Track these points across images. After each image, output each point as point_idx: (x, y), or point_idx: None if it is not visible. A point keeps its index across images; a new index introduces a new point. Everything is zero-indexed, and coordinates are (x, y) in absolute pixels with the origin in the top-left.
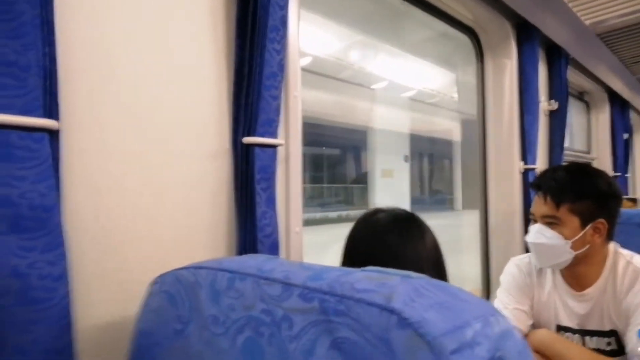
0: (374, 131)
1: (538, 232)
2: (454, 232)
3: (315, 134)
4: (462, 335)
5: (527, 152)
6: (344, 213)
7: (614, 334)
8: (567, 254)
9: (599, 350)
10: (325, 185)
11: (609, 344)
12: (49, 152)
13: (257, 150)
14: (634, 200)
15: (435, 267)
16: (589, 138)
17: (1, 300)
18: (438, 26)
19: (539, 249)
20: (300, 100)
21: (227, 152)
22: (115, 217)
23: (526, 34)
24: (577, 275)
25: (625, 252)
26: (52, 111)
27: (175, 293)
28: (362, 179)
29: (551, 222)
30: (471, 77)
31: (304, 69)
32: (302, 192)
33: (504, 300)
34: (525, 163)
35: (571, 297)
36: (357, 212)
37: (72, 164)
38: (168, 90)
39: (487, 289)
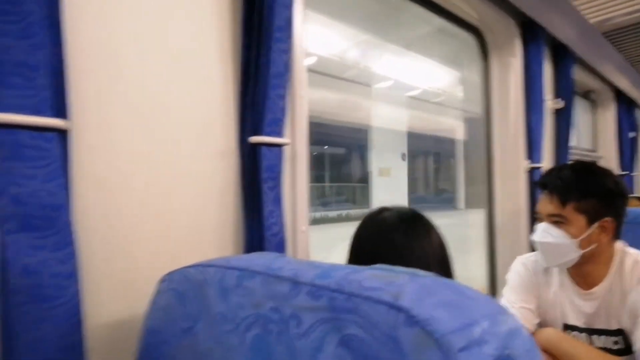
0: (372, 129)
1: (544, 231)
2: (456, 231)
3: (317, 132)
4: (470, 333)
5: (532, 150)
6: (344, 212)
7: (621, 332)
8: (573, 253)
9: (606, 349)
10: (327, 184)
11: (616, 342)
12: (59, 152)
13: (263, 149)
14: None
15: (441, 265)
16: (595, 137)
17: (13, 297)
18: (444, 25)
19: (546, 248)
20: (306, 100)
21: (234, 151)
22: (123, 216)
23: (531, 33)
24: (584, 274)
25: (633, 251)
26: (61, 111)
27: (183, 291)
28: (364, 178)
29: (557, 220)
30: (476, 76)
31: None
32: (308, 191)
33: (510, 298)
34: (531, 162)
35: (578, 296)
36: (356, 211)
37: (81, 164)
38: (175, 90)
39: (493, 288)
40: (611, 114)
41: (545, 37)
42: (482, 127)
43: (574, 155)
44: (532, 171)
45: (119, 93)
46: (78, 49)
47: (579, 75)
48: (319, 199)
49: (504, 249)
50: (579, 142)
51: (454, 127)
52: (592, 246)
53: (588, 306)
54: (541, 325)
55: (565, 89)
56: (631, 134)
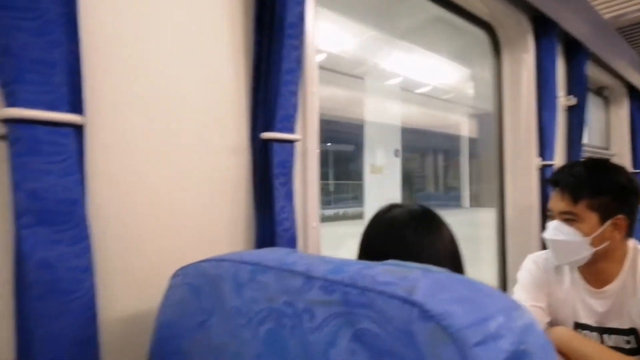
0: (366, 124)
1: (556, 229)
2: (459, 232)
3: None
4: (485, 328)
5: (544, 148)
6: (341, 211)
7: (633, 332)
8: (585, 251)
9: (617, 349)
10: (329, 182)
11: (628, 342)
12: (75, 147)
13: (275, 145)
14: None
15: (452, 261)
16: (608, 134)
17: (30, 291)
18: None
19: (557, 246)
20: (317, 96)
21: (246, 147)
22: (136, 211)
23: (544, 29)
24: (596, 272)
25: None
26: (77, 107)
27: (198, 285)
28: (359, 176)
29: (569, 218)
30: (486, 72)
31: None
32: (319, 187)
33: (520, 297)
34: (543, 159)
35: (590, 295)
36: (354, 210)
37: (96, 159)
38: (188, 87)
39: (504, 286)
40: (624, 111)
41: (558, 33)
42: (492, 124)
43: (586, 153)
44: (543, 169)
45: (132, 90)
46: (93, 46)
47: (592, 71)
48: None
49: (514, 247)
50: (592, 139)
51: (458, 123)
52: (605, 244)
53: (600, 305)
54: (552, 324)
55: (578, 85)
56: None
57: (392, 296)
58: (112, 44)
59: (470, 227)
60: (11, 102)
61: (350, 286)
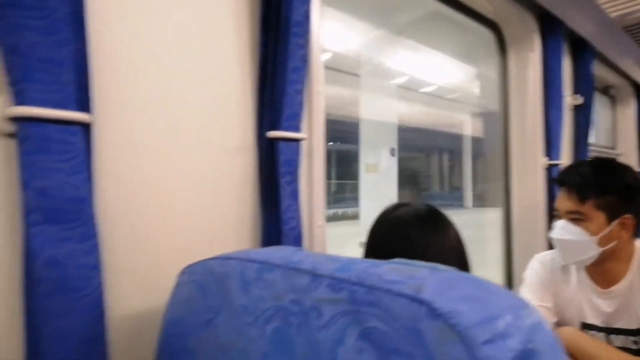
0: (362, 122)
1: (563, 229)
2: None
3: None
4: (493, 327)
5: (551, 147)
6: (340, 211)
7: None
8: (592, 251)
9: (625, 349)
10: (331, 181)
11: (635, 342)
12: (83, 145)
13: (281, 144)
14: None
15: (459, 261)
16: (615, 133)
17: (39, 288)
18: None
19: (564, 246)
20: (323, 95)
21: (252, 146)
22: (143, 209)
23: (550, 27)
24: (603, 272)
25: None
26: (85, 105)
27: (205, 283)
28: (355, 175)
29: (576, 218)
30: (491, 71)
31: None
32: (324, 186)
33: (526, 297)
34: (549, 158)
35: (597, 295)
36: (354, 210)
37: (103, 158)
38: (195, 86)
39: (510, 286)
40: (631, 110)
41: (564, 32)
42: (497, 122)
43: (593, 153)
44: (550, 168)
45: (139, 89)
46: (100, 46)
47: (598, 70)
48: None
49: (520, 246)
50: (598, 138)
51: (461, 123)
52: (612, 243)
53: (607, 305)
54: (559, 324)
55: (584, 84)
56: None
57: (400, 294)
58: (119, 43)
59: (472, 227)
60: (20, 101)
61: (357, 284)
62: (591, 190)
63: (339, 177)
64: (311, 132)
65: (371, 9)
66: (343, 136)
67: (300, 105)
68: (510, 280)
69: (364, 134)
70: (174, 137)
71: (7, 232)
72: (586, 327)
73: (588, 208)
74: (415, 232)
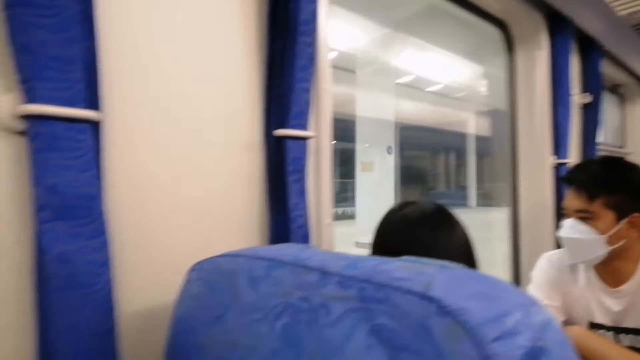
0: (358, 120)
1: (571, 227)
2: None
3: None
4: (503, 324)
5: (559, 146)
6: (340, 210)
7: None
8: (601, 249)
9: (633, 349)
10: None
11: None
12: (92, 143)
13: (288, 142)
14: None
15: (466, 260)
16: (623, 132)
17: (50, 284)
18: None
19: (572, 244)
20: (330, 93)
21: (260, 144)
22: (152, 207)
23: (558, 26)
24: (611, 271)
25: None
26: (94, 103)
27: (213, 280)
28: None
29: (585, 216)
30: (497, 70)
31: None
32: (332, 184)
33: (534, 295)
34: (558, 157)
35: (605, 294)
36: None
37: (112, 155)
38: (203, 84)
39: (517, 286)
40: None
41: (572, 30)
42: (502, 121)
43: (601, 151)
44: (558, 167)
45: (147, 86)
46: (109, 44)
47: (606, 69)
48: None
49: (528, 245)
50: (607, 137)
51: (464, 121)
52: (621, 242)
53: (616, 304)
54: (566, 323)
55: (593, 83)
56: None
57: (409, 291)
58: (128, 41)
59: (475, 228)
60: (30, 99)
61: (366, 282)
62: (600, 188)
63: (342, 176)
64: (318, 130)
65: (371, 4)
66: (343, 134)
67: (307, 104)
68: (517, 280)
69: (360, 132)
70: (182, 135)
71: (19, 229)
72: (594, 326)
73: (597, 207)
74: (422, 230)
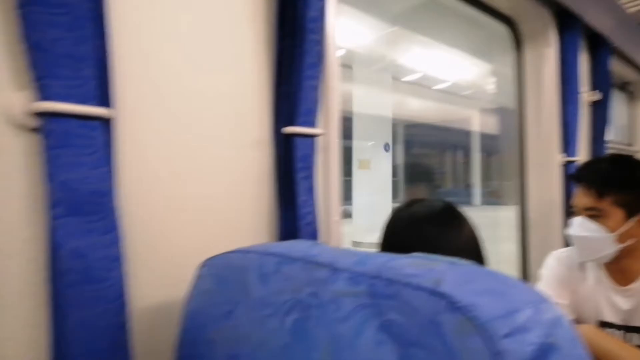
0: (354, 116)
1: (580, 225)
2: None
3: None
4: (513, 320)
5: (567, 144)
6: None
7: None
8: (610, 247)
9: None
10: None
11: None
12: (104, 140)
13: (297, 140)
14: None
15: (475, 257)
16: (633, 130)
17: (63, 279)
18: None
19: (582, 242)
20: (338, 91)
21: (269, 141)
22: (162, 203)
23: (567, 23)
24: (621, 269)
25: None
26: (105, 100)
27: (224, 276)
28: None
29: (594, 214)
30: (503, 67)
31: None
32: (340, 181)
33: None
34: (566, 155)
35: (615, 292)
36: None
37: (124, 152)
38: (212, 82)
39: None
40: None
41: (581, 28)
42: (508, 119)
43: (610, 149)
44: (566, 165)
45: (158, 84)
46: (120, 42)
47: (615, 66)
48: None
49: (536, 243)
50: (616, 135)
51: (469, 118)
52: (630, 240)
53: (625, 303)
54: (576, 322)
55: (601, 80)
56: None
57: (419, 287)
58: (139, 39)
59: (480, 228)
60: (43, 96)
61: (377, 278)
62: (609, 186)
63: (346, 174)
64: (327, 127)
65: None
66: (345, 133)
67: (315, 101)
68: (526, 278)
69: (357, 129)
70: (192, 132)
71: (33, 225)
72: (603, 325)
73: (606, 204)
74: (430, 228)
